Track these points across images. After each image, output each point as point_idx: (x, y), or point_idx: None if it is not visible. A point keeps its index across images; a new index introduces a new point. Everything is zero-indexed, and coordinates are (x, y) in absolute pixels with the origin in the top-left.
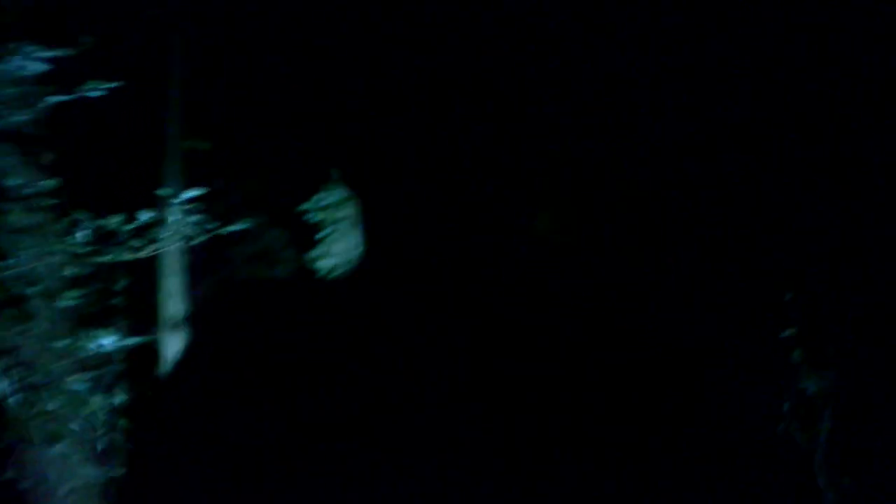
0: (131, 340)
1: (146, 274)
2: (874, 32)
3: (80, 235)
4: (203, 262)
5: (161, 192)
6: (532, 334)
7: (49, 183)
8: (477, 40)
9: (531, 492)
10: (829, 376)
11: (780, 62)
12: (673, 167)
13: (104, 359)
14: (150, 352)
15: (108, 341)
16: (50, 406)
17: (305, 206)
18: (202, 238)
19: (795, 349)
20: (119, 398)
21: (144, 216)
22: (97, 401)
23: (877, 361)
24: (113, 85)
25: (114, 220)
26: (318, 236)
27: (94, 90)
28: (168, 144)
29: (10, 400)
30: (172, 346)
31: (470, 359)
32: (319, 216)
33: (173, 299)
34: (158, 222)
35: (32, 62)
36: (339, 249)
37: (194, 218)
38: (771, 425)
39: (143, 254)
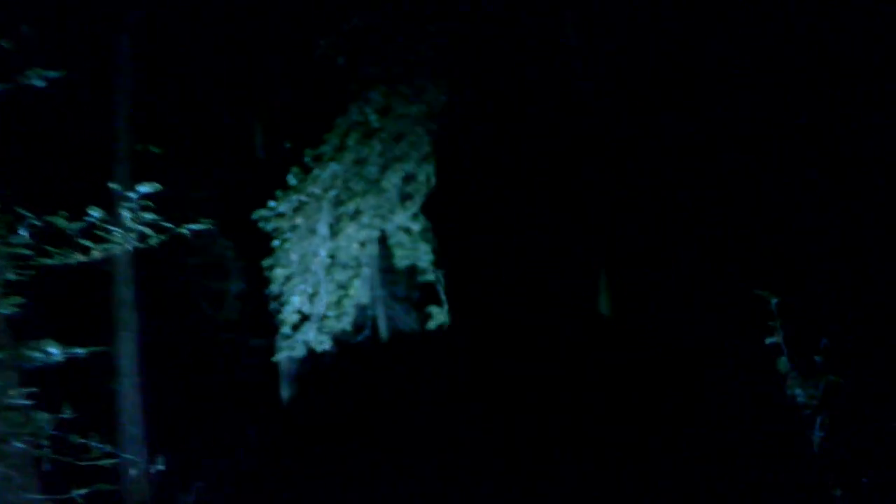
0: (78, 350)
1: (98, 281)
2: (874, 32)
3: (22, 235)
4: (155, 272)
5: (113, 186)
6: (532, 334)
7: None
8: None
9: (531, 492)
10: (818, 385)
11: (780, 62)
12: (673, 167)
13: (50, 371)
14: (102, 363)
15: (54, 352)
16: None
17: (259, 213)
18: (157, 239)
19: (781, 357)
20: (67, 413)
21: (94, 213)
22: (42, 417)
23: (869, 369)
24: (56, 74)
25: (60, 218)
26: (272, 244)
27: (36, 79)
28: (118, 146)
29: None
30: (126, 356)
31: (470, 359)
32: (273, 224)
33: (126, 308)
34: (110, 221)
35: None
36: (294, 258)
37: (149, 216)
38: (770, 425)
39: (94, 256)
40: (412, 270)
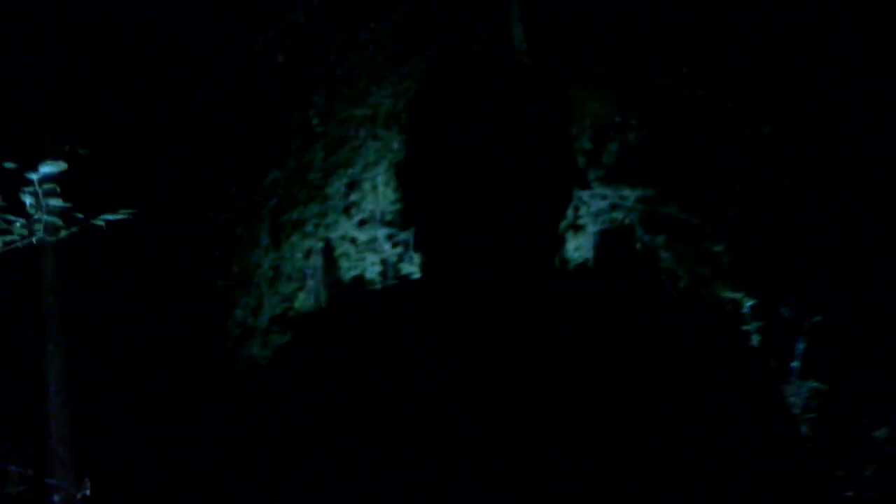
0: None
1: (24, 291)
2: (874, 32)
3: None
4: (93, 279)
5: (7, 165)
6: (532, 334)
7: None
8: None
9: (531, 492)
10: (799, 392)
11: (781, 62)
12: (673, 165)
13: None
14: (28, 380)
15: None
16: None
17: (200, 222)
18: (67, 231)
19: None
20: None
21: None
22: None
23: (855, 374)
24: None
25: None
26: (213, 255)
27: None
28: (44, 142)
29: None
30: (54, 371)
31: (469, 358)
32: (213, 234)
33: (53, 320)
34: (7, 209)
35: None
36: (235, 269)
37: (55, 203)
38: (771, 426)
39: None
40: (359, 282)
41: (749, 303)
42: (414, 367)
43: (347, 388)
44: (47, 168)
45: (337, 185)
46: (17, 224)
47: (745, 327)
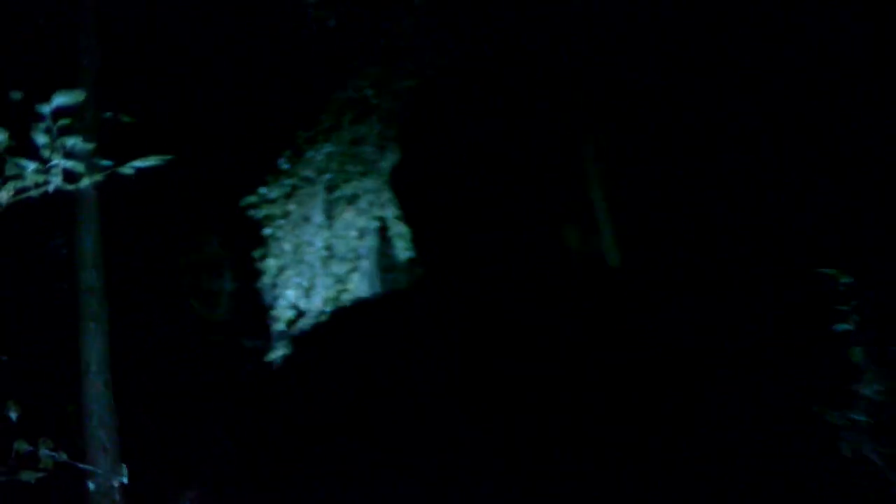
0: None
1: (61, 266)
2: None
3: None
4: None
5: (13, 95)
6: (532, 334)
7: None
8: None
9: (531, 492)
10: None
11: (782, 62)
12: (675, 164)
13: None
14: (68, 355)
15: None
16: None
17: (248, 200)
18: (90, 180)
19: (854, 347)
20: (13, 412)
21: None
22: None
23: None
24: None
25: None
26: (263, 233)
27: None
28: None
29: None
30: (94, 350)
31: (470, 358)
32: (264, 211)
33: (93, 295)
34: (17, 149)
35: None
36: (287, 248)
37: (73, 143)
38: (775, 427)
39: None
40: (415, 264)
41: (845, 280)
42: (414, 367)
43: (348, 388)
44: (62, 98)
45: (391, 160)
46: (30, 169)
47: (841, 307)
